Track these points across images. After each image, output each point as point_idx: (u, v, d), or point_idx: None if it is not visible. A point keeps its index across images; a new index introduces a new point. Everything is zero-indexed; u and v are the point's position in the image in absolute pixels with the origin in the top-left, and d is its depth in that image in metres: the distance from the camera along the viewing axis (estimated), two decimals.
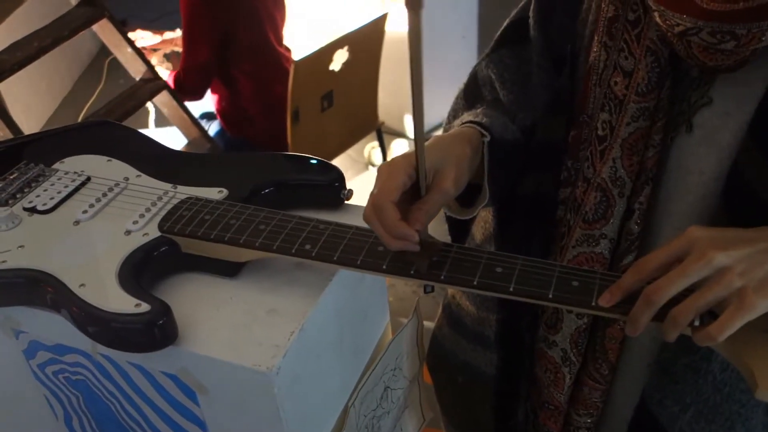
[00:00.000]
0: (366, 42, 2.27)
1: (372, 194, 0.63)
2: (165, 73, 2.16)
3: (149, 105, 2.21)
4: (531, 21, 0.79)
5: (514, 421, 0.89)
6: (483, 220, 0.87)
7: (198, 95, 2.15)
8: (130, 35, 2.08)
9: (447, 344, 0.94)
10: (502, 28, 0.85)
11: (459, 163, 0.68)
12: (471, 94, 0.85)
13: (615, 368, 0.78)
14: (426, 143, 0.66)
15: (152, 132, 2.59)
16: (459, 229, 0.89)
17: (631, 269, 0.56)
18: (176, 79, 2.12)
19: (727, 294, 0.52)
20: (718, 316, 0.52)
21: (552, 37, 0.77)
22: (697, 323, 0.53)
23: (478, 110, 0.79)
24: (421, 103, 0.55)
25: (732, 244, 0.53)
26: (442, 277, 0.58)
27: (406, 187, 0.64)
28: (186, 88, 2.10)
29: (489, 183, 0.75)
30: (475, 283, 0.57)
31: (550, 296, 0.55)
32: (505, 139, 0.76)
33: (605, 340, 0.76)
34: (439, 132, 0.79)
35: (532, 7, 0.79)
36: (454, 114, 0.88)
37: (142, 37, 2.30)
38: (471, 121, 0.76)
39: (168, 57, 2.32)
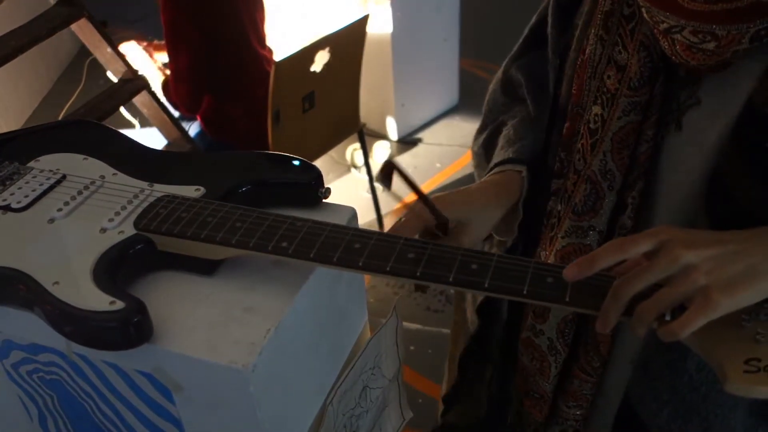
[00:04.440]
0: (347, 43, 2.27)
1: (397, 221, 0.71)
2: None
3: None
4: (549, 18, 0.81)
5: (472, 385, 0.93)
6: None
7: (190, 104, 2.11)
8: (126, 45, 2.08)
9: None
10: (527, 32, 0.88)
11: (481, 225, 0.76)
12: (509, 91, 0.90)
13: (606, 361, 0.79)
14: (461, 191, 0.76)
15: (131, 133, 2.57)
16: None
17: (610, 245, 0.56)
18: (166, 90, 2.10)
19: (692, 292, 0.53)
20: None
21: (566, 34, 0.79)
22: (668, 317, 0.54)
23: (510, 136, 0.84)
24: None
25: (702, 243, 0.54)
26: (418, 274, 0.58)
27: (428, 227, 0.71)
28: (177, 100, 2.08)
29: (524, 203, 0.80)
30: (450, 279, 0.58)
31: (525, 292, 0.56)
32: (539, 153, 0.81)
33: (597, 333, 0.77)
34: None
35: (551, 5, 0.81)
36: (492, 105, 0.92)
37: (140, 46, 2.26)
38: (504, 161, 0.81)
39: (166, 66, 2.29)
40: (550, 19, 0.81)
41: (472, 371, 0.94)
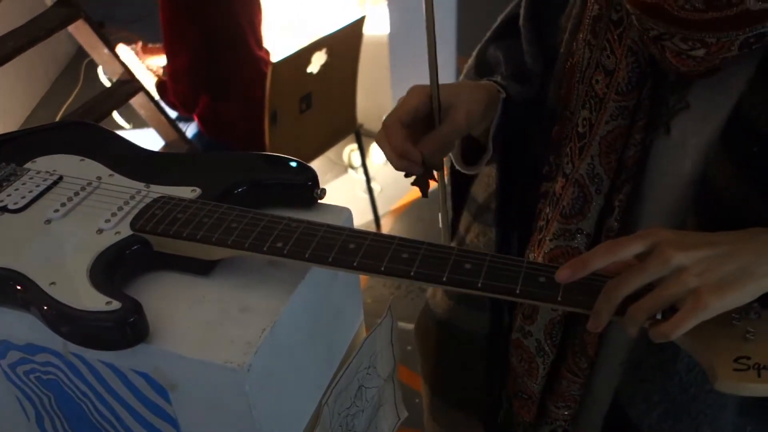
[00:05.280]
0: (344, 44, 2.27)
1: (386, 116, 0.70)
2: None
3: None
4: (522, 11, 0.82)
5: (498, 390, 0.90)
6: (486, 176, 0.90)
7: (188, 104, 2.11)
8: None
9: (440, 313, 0.96)
10: (499, 21, 0.88)
11: (473, 103, 0.75)
12: (485, 71, 0.89)
13: (594, 362, 0.79)
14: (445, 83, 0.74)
15: (128, 134, 2.57)
16: (459, 190, 0.95)
17: (602, 247, 0.57)
18: (162, 91, 2.10)
19: (683, 293, 0.53)
20: None
21: (541, 29, 0.80)
22: (659, 316, 0.54)
23: (497, 76, 0.84)
24: (433, 33, 0.61)
25: (692, 245, 0.55)
26: (412, 273, 0.59)
27: (419, 112, 0.73)
28: (175, 100, 2.08)
29: (494, 140, 0.80)
30: (444, 279, 0.58)
31: (518, 291, 0.56)
32: (518, 101, 0.81)
33: (584, 334, 0.77)
34: None
35: (523, 3, 0.82)
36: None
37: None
38: (489, 80, 0.82)
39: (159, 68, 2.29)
40: (522, 11, 0.81)
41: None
